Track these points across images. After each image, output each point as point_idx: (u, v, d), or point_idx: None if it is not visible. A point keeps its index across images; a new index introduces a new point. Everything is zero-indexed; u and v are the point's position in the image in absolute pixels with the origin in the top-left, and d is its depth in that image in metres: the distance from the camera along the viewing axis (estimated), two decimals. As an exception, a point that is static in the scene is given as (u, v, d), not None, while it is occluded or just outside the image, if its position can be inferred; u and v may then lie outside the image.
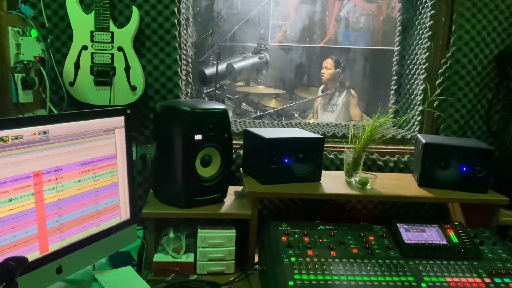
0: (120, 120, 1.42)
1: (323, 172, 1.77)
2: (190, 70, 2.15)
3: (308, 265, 1.36)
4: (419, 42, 2.17)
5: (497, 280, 1.37)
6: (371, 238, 1.54)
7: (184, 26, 2.07)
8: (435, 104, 2.05)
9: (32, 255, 1.16)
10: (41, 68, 1.73)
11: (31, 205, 1.15)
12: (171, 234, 1.63)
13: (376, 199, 1.90)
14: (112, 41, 1.75)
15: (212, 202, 1.64)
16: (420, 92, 2.14)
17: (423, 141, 1.76)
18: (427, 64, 2.10)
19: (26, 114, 1.67)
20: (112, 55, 1.76)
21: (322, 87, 4.18)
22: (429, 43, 2.08)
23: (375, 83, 4.68)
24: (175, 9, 1.85)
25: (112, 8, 1.79)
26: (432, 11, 2.05)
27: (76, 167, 1.28)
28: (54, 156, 1.21)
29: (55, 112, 1.81)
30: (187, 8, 2.13)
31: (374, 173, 1.81)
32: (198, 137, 1.55)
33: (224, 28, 4.46)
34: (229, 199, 1.71)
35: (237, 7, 4.46)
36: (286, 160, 1.68)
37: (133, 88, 1.79)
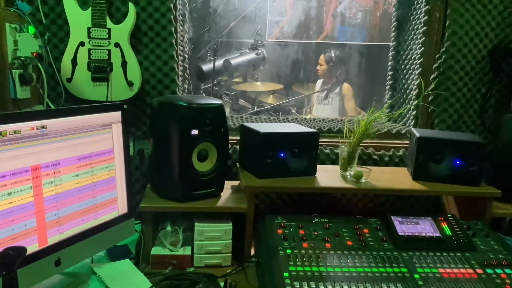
0: (117, 115, 1.44)
1: (319, 167, 1.79)
2: (187, 66, 2.17)
3: (303, 257, 1.38)
4: (414, 38, 2.19)
5: (489, 271, 1.39)
6: (365, 230, 1.56)
7: (181, 22, 2.08)
8: (429, 99, 2.07)
9: (31, 248, 1.18)
10: (39, 64, 1.75)
11: (29, 199, 1.17)
12: (169, 228, 1.65)
13: (370, 192, 1.92)
14: (109, 37, 1.77)
15: (209, 196, 1.66)
16: (415, 87, 2.16)
17: (417, 135, 1.78)
18: (421, 59, 2.12)
19: (24, 109, 1.68)
20: (109, 51, 1.77)
21: (320, 82, 4.20)
22: (423, 38, 2.10)
23: (371, 78, 4.69)
24: (172, 5, 1.86)
25: (109, 5, 1.80)
26: (427, 7, 2.07)
27: (74, 162, 1.30)
28: (52, 150, 1.23)
29: (53, 107, 1.82)
30: (184, 4, 2.14)
31: (368, 167, 1.83)
32: (195, 132, 1.56)
33: (220, 24, 4.46)
34: (226, 193, 1.73)
35: (233, 3, 4.47)
36: (282, 155, 1.70)
37: (130, 84, 1.80)
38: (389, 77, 2.40)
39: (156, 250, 1.60)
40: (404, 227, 1.57)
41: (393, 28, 2.35)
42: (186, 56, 2.19)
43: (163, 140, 1.62)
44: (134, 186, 1.96)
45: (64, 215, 1.28)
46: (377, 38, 4.92)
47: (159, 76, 1.91)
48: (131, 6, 1.79)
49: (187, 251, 1.61)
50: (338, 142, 1.94)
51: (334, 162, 2.05)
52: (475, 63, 2.04)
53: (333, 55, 4.12)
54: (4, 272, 0.92)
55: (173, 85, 1.93)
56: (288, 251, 1.41)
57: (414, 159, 1.78)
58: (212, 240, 1.60)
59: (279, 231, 1.51)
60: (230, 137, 1.72)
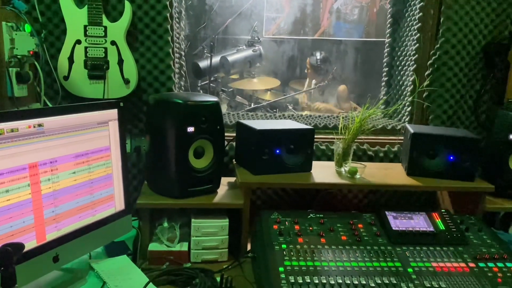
0: (113, 112, 1.45)
1: (314, 163, 1.81)
2: (183, 63, 2.18)
3: (299, 252, 1.40)
4: (409, 34, 2.20)
5: (481, 264, 1.42)
6: (360, 225, 1.58)
7: (177, 20, 2.09)
8: (424, 95, 2.09)
9: (29, 244, 1.20)
10: (36, 63, 1.76)
11: (27, 196, 1.19)
12: (166, 224, 1.66)
13: (365, 187, 1.94)
14: (105, 35, 1.78)
15: (205, 192, 1.68)
16: (410, 83, 2.18)
17: (411, 131, 1.80)
18: (416, 55, 2.13)
19: (21, 108, 1.70)
20: (106, 49, 1.78)
21: (313, 81, 4.25)
22: (418, 34, 2.11)
23: (367, 74, 4.70)
24: (167, 3, 1.87)
25: (105, 3, 1.81)
26: (422, 3, 2.08)
27: (71, 159, 1.31)
28: (49, 148, 1.24)
29: (50, 105, 1.83)
30: (179, 2, 2.15)
31: (363, 163, 1.84)
32: (191, 129, 1.58)
33: (217, 21, 4.46)
34: (222, 189, 1.75)
35: (229, 0, 4.46)
36: (278, 151, 1.71)
37: (127, 82, 1.82)
38: (385, 73, 2.42)
39: (153, 246, 1.61)
40: (398, 222, 1.59)
41: (389, 25, 2.36)
42: (183, 53, 2.20)
43: (159, 137, 1.63)
44: (131, 183, 1.97)
45: (61, 212, 1.29)
46: (373, 34, 4.92)
47: (155, 74, 1.92)
48: (127, 4, 1.80)
49: (184, 247, 1.63)
50: (334, 138, 1.96)
51: (329, 158, 2.06)
52: (469, 59, 2.06)
53: (317, 57, 4.18)
54: (2, 268, 0.94)
55: (170, 82, 1.94)
56: (284, 246, 1.43)
57: (408, 155, 1.79)
58: (209, 236, 1.62)
59: (275, 226, 1.53)
60: (227, 134, 1.74)
